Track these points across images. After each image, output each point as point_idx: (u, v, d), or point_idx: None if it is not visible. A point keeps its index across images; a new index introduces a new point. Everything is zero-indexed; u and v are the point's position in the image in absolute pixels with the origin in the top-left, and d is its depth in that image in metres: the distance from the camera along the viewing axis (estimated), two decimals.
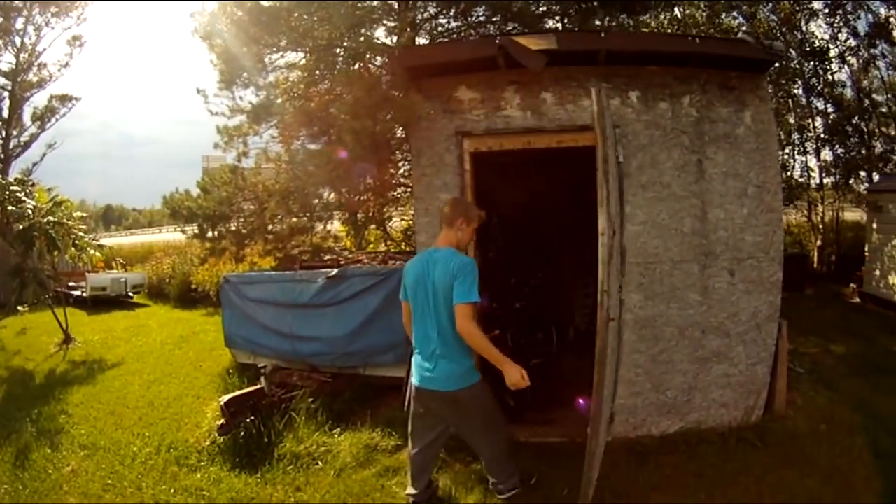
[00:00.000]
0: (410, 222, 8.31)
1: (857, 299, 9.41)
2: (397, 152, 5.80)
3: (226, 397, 3.75)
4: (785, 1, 10.99)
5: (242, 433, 3.54)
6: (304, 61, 5.67)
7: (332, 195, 6.13)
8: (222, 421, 3.62)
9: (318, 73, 5.09)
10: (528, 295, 5.01)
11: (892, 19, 11.20)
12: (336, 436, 3.67)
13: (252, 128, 5.71)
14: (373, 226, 7.88)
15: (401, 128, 4.25)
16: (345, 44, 4.81)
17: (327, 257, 6.08)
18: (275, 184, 5.86)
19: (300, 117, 4.74)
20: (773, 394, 3.99)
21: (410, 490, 2.73)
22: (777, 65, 7.57)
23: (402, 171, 6.34)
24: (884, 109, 12.19)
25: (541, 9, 6.51)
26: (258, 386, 4.04)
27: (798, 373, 5.04)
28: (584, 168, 5.87)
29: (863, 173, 11.32)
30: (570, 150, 3.60)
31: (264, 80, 5.54)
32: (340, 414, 4.04)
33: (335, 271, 4.88)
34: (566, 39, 3.45)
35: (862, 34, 11.16)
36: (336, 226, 7.48)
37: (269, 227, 6.16)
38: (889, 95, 12.25)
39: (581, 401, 3.22)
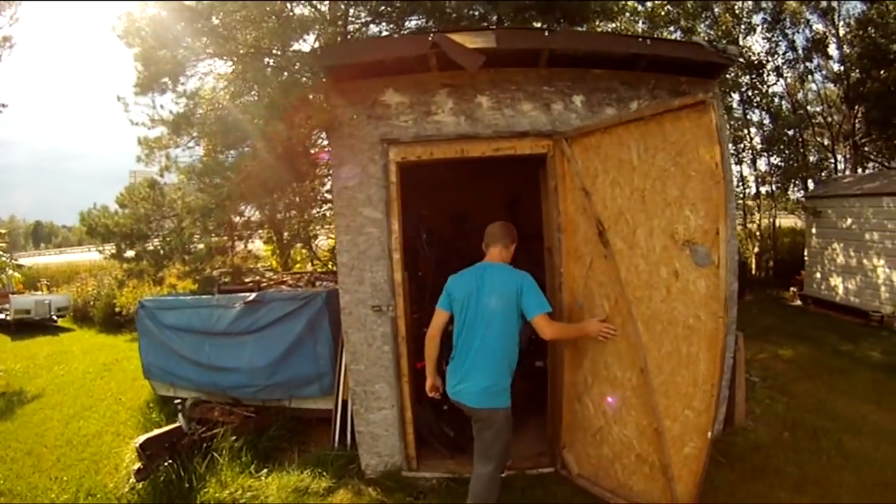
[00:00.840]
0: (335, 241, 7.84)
1: (799, 302, 9.66)
2: (322, 166, 5.33)
3: (141, 438, 3.46)
4: (726, 15, 11.24)
5: (162, 477, 3.28)
6: (230, 71, 5.13)
7: (255, 212, 5.59)
8: (139, 465, 3.34)
9: (243, 82, 4.55)
10: None
11: (828, 35, 11.70)
12: (263, 478, 3.41)
13: (173, 139, 5.13)
14: (299, 245, 7.38)
15: (322, 136, 3.77)
16: (274, 52, 4.31)
17: (249, 279, 5.52)
18: (195, 199, 5.39)
19: (220, 127, 4.21)
20: (732, 406, 3.90)
21: None
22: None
23: (327, 186, 5.88)
24: (818, 120, 12.73)
25: (478, 12, 6.20)
26: (176, 424, 3.72)
27: (753, 381, 5.01)
28: (521, 179, 5.28)
29: (799, 181, 11.68)
30: (505, 160, 3.31)
31: (184, 87, 4.95)
32: (266, 453, 3.81)
33: (253, 296, 4.49)
34: (506, 37, 3.09)
35: (800, 49, 11.57)
36: (258, 245, 6.95)
37: (188, 246, 5.59)
38: (824, 106, 12.85)
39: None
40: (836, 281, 9.01)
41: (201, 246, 5.67)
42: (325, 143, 4.14)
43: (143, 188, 5.72)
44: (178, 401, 4.08)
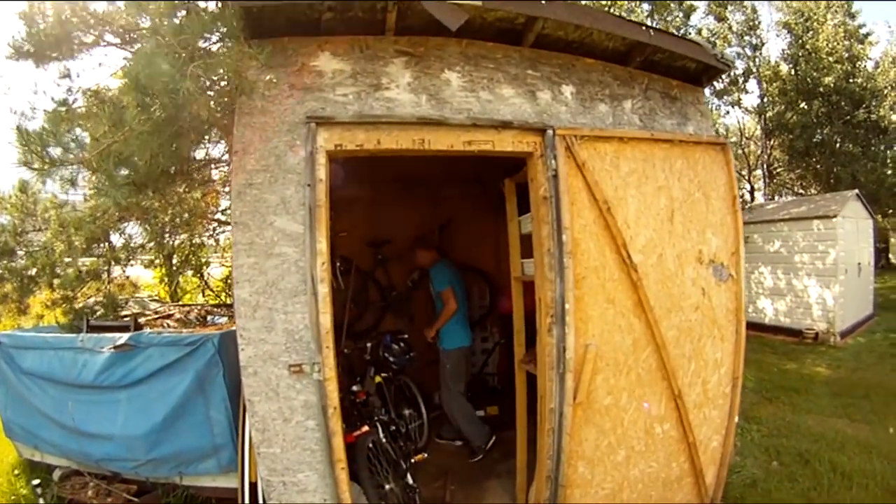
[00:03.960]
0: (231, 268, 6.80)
1: None
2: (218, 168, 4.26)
3: None
4: None
5: None
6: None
7: (139, 230, 4.35)
8: None
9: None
10: (396, 363, 4.00)
11: (751, 70, 12.46)
12: None
13: (51, 135, 3.80)
14: (189, 272, 6.17)
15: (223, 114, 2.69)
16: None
17: (127, 313, 4.18)
18: (68, 212, 4.38)
19: (107, 114, 3.02)
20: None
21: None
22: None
23: (224, 204, 4.82)
24: (740, 151, 13.45)
25: None
26: None
27: None
28: (449, 202, 5.02)
29: None
30: (429, 177, 3.23)
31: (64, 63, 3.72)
32: None
33: (124, 337, 3.30)
34: None
35: (719, 84, 12.15)
36: (139, 270, 5.68)
37: (57, 269, 4.37)
38: (741, 138, 13.68)
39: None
40: (763, 303, 9.44)
41: (70, 270, 4.39)
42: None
43: (15, 192, 4.55)
44: (37, 482, 3.37)
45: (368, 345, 3.91)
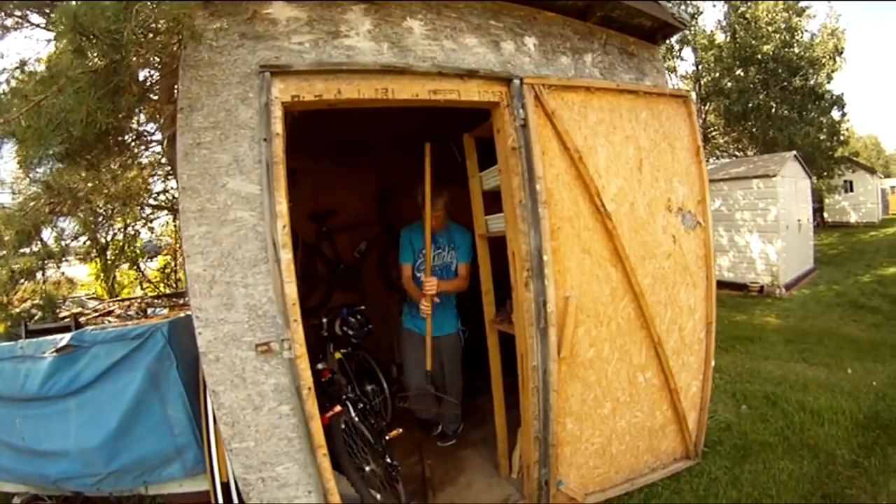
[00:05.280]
0: (169, 256, 6.68)
1: None
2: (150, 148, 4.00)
3: None
4: None
5: None
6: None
7: (70, 223, 4.00)
8: None
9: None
10: (355, 337, 3.83)
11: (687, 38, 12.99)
12: None
13: None
14: (124, 265, 5.87)
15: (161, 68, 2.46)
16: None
17: (64, 314, 3.85)
18: None
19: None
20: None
21: None
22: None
23: (159, 173, 4.54)
24: None
25: None
26: None
27: None
28: (392, 170, 4.81)
29: None
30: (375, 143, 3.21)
31: None
32: None
33: (66, 338, 3.01)
34: None
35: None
36: (74, 269, 5.33)
37: None
38: None
39: None
40: None
41: (3, 271, 4.05)
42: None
43: None
44: None
45: (324, 320, 3.74)
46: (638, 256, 2.66)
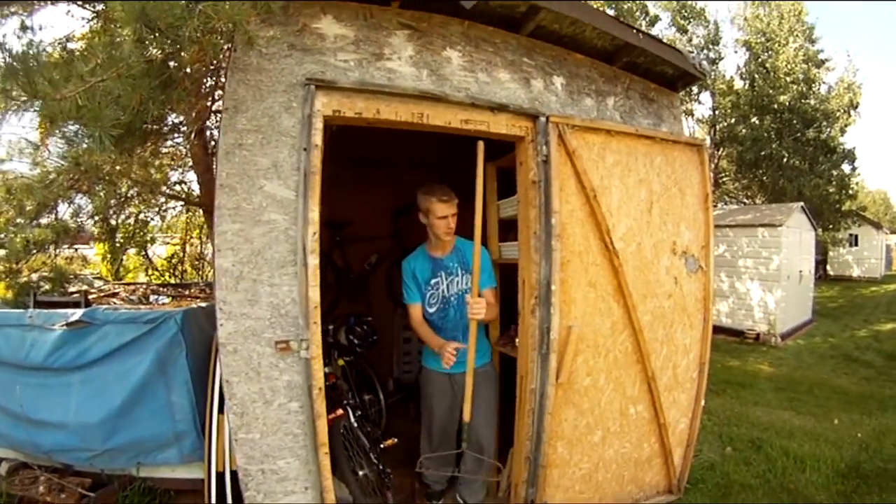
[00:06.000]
0: (178, 247, 6.87)
1: None
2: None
3: None
4: None
5: None
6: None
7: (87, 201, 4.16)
8: None
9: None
10: (360, 346, 4.03)
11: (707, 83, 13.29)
12: None
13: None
14: (132, 250, 6.06)
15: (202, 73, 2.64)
16: None
17: (74, 289, 3.98)
18: (17, 178, 4.04)
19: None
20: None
21: None
22: None
23: (176, 168, 4.67)
24: None
25: None
26: None
27: None
28: (410, 187, 5.20)
29: None
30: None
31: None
32: None
33: (77, 314, 3.10)
34: None
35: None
36: (83, 247, 5.49)
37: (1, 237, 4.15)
38: None
39: None
40: None
41: (18, 239, 4.17)
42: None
43: None
44: None
45: (330, 327, 3.88)
46: (640, 294, 2.82)
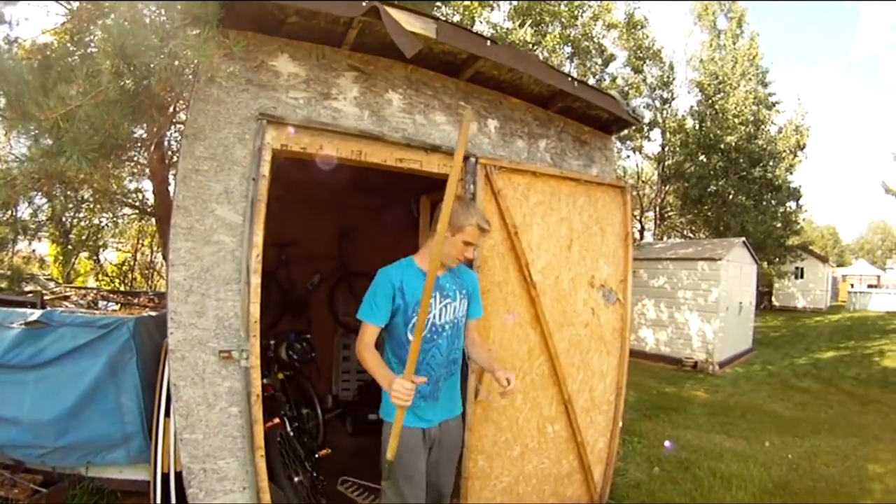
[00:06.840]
0: (129, 254, 6.92)
1: None
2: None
3: None
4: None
5: None
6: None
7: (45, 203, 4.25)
8: None
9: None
10: (298, 362, 4.22)
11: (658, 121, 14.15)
12: None
13: None
14: (84, 254, 6.10)
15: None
16: None
17: (29, 288, 4.05)
18: None
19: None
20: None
21: None
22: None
23: (130, 179, 4.85)
24: (636, 193, 15.28)
25: None
26: None
27: None
28: (353, 211, 5.27)
29: None
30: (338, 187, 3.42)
31: None
32: None
33: (35, 314, 3.26)
34: (446, 31, 2.68)
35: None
36: (45, 247, 5.50)
37: None
38: (640, 182, 15.32)
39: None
40: (645, 332, 10.72)
41: None
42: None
43: None
44: None
45: (272, 342, 4.06)
46: (557, 322, 3.16)
